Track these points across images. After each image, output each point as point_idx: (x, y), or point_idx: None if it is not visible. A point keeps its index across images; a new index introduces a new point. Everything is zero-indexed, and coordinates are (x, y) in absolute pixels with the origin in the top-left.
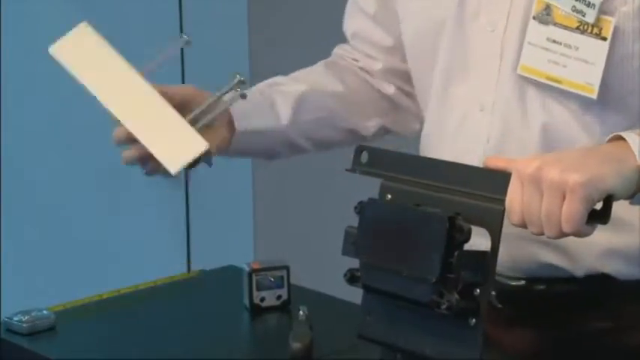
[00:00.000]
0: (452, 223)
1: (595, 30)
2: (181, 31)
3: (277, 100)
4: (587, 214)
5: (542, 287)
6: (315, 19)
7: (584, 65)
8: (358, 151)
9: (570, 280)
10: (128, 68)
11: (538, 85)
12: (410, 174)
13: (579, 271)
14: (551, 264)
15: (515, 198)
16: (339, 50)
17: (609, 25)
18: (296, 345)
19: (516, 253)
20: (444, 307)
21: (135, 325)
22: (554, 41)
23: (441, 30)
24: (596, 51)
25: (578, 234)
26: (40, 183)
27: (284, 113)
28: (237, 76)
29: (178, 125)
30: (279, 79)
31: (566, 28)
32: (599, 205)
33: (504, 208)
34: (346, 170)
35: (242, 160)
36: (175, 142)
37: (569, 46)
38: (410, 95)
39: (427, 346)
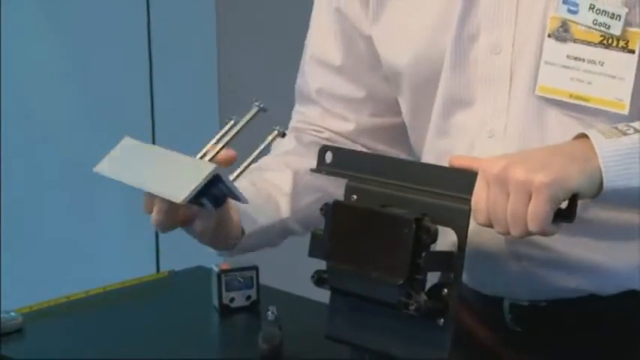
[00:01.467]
0: (418, 225)
1: (621, 43)
2: (148, 30)
3: (272, 192)
4: (552, 214)
5: (566, 306)
6: (283, 19)
7: (611, 81)
8: (322, 151)
9: (596, 297)
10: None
11: (559, 104)
12: (375, 174)
13: (608, 290)
14: (576, 289)
15: (481, 198)
16: (298, 123)
17: (636, 36)
18: (265, 345)
19: (535, 283)
20: (412, 308)
21: (103, 327)
22: (575, 58)
23: (442, 55)
24: (624, 65)
25: (544, 233)
26: (7, 183)
27: (283, 205)
28: (256, 104)
29: (189, 162)
30: (261, 165)
31: (588, 43)
32: (564, 204)
33: (470, 208)
34: (311, 170)
35: None
36: (184, 175)
37: (594, 62)
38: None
39: (396, 346)
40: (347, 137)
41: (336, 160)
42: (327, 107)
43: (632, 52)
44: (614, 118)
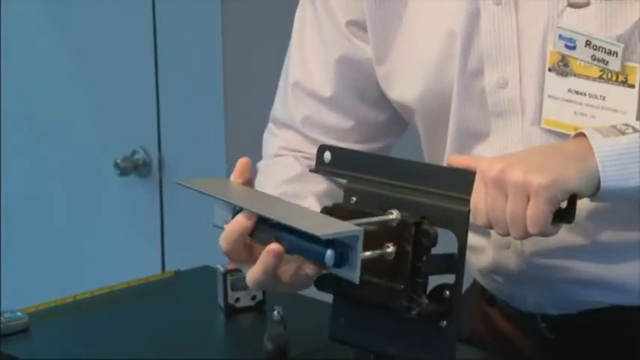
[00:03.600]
0: (418, 229)
1: (621, 78)
2: (154, 29)
3: None
4: (552, 215)
5: (597, 315)
6: (292, 20)
7: (614, 114)
8: (321, 151)
9: (626, 307)
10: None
11: (562, 138)
12: (374, 174)
13: (635, 301)
14: (602, 301)
15: (479, 199)
16: (280, 150)
17: (635, 71)
18: (271, 346)
19: (562, 300)
20: (414, 312)
21: (109, 327)
22: (576, 92)
23: (449, 90)
24: (625, 99)
25: (544, 235)
26: (11, 183)
27: None
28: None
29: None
30: (287, 194)
31: (587, 78)
32: (564, 204)
33: (469, 210)
34: (310, 171)
35: (216, 158)
36: (329, 223)
37: (595, 96)
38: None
39: (400, 348)
40: None
41: (334, 159)
42: (312, 136)
43: (632, 86)
44: None
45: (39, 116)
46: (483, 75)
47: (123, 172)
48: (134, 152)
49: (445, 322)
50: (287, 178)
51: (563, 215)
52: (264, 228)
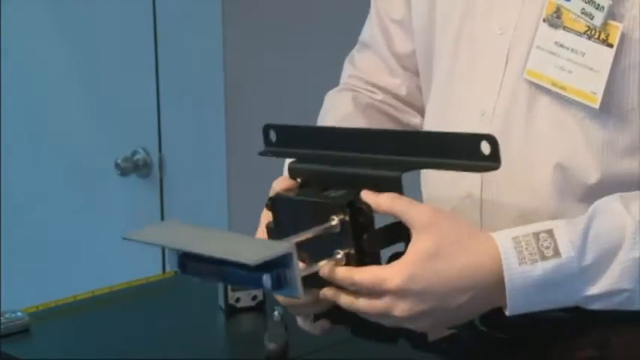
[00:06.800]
0: (352, 209)
1: (602, 36)
2: (154, 30)
3: None
4: None
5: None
6: (293, 20)
7: (589, 72)
8: (266, 131)
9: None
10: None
11: (546, 91)
12: (320, 147)
13: None
14: None
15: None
16: (350, 79)
17: (616, 31)
18: (271, 346)
19: None
20: None
21: (110, 327)
22: (561, 46)
23: (446, 27)
24: (602, 58)
25: None
26: (12, 183)
27: None
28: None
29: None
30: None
31: (574, 32)
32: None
33: (401, 175)
34: (258, 154)
35: (216, 158)
36: (259, 246)
37: (576, 52)
38: None
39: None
40: (398, 98)
41: (281, 138)
42: (383, 55)
43: (611, 46)
44: (589, 111)
45: (39, 116)
46: (490, 19)
47: (123, 172)
48: (135, 152)
49: None
50: (337, 118)
51: None
52: (206, 266)
